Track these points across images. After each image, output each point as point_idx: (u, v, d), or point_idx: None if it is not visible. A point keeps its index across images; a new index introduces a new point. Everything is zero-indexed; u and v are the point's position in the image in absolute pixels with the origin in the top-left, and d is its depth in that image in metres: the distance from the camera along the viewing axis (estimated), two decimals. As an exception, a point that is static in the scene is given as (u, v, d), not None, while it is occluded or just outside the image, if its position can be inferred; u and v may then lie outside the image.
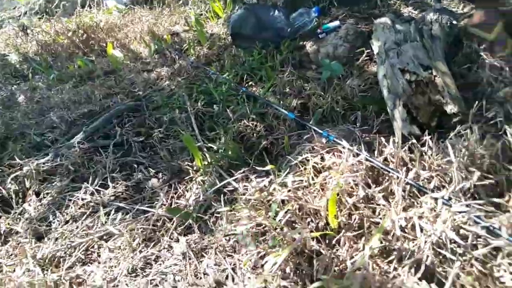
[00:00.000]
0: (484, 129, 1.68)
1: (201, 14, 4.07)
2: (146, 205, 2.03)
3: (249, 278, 1.58)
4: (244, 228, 1.61)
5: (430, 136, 1.62)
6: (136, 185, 2.21)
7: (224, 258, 1.70)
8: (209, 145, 2.18)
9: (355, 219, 1.48)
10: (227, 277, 1.65)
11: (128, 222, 1.95)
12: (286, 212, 1.54)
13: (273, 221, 1.51)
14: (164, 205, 2.00)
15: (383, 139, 1.74)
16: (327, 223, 1.52)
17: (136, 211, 2.02)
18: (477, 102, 1.69)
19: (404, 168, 1.58)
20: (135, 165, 2.32)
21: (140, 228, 1.90)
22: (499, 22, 2.00)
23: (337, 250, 1.46)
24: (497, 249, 1.29)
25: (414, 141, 1.64)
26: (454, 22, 2.22)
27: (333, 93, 2.28)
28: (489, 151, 1.49)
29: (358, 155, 1.63)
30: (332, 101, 2.22)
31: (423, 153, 1.62)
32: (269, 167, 1.68)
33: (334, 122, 2.17)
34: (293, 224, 1.54)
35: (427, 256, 1.29)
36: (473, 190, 1.42)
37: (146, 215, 1.97)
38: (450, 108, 1.72)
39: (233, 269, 1.66)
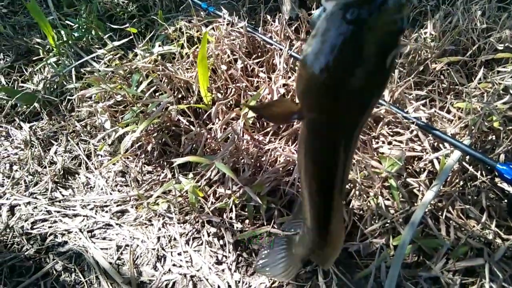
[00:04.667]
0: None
1: None
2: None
3: (105, 163, 1.33)
4: (100, 105, 1.33)
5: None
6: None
7: (77, 144, 1.42)
8: (66, 22, 1.77)
9: (231, 92, 1.29)
10: (79, 164, 1.37)
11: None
12: (150, 84, 1.29)
13: (133, 91, 1.25)
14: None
15: (268, 17, 1.54)
16: (201, 99, 1.31)
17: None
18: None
19: (288, 42, 1.41)
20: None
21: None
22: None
23: (210, 127, 1.26)
24: (378, 119, 1.20)
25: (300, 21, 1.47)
26: None
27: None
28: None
29: (238, 24, 1.41)
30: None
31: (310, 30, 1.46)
32: (131, 30, 1.37)
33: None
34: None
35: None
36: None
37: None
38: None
39: (88, 156, 1.39)
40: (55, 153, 1.40)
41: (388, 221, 1.01)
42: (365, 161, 1.03)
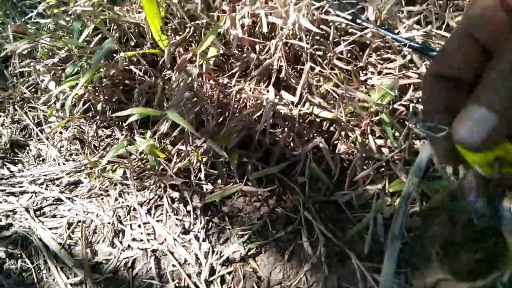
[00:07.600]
0: None
1: None
2: None
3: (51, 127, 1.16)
4: (41, 65, 1.14)
5: None
6: None
7: (26, 113, 1.24)
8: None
9: (189, 32, 1.09)
10: (29, 135, 1.20)
11: None
12: (93, 31, 1.09)
13: (74, 41, 1.05)
14: None
15: None
16: (157, 44, 1.11)
17: None
18: None
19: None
20: None
21: None
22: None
23: (166, 75, 1.07)
24: (364, 45, 1.01)
25: None
26: None
27: None
28: None
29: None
30: None
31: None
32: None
33: None
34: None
35: (279, 64, 0.97)
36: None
37: None
38: None
39: (38, 124, 1.21)
40: (2, 125, 1.22)
41: (383, 164, 0.84)
42: (350, 94, 0.85)
